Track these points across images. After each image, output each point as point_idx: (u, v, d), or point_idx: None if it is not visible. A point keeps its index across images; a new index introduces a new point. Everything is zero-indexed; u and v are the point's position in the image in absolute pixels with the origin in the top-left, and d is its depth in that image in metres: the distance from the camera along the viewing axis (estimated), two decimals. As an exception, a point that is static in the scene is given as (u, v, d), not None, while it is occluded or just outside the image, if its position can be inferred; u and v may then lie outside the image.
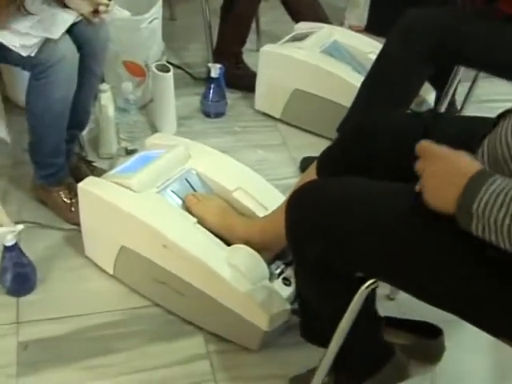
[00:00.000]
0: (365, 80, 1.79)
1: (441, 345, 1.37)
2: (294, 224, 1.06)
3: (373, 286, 1.04)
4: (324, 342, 1.16)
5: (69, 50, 1.51)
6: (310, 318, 1.24)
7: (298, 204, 1.06)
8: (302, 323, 1.27)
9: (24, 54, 1.44)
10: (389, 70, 1.70)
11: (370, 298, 1.18)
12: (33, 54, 1.45)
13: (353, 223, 0.98)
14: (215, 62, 2.27)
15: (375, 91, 1.74)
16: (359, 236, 0.98)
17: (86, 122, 1.80)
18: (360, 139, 1.17)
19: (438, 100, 1.98)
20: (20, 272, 1.51)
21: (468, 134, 1.06)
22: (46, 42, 1.46)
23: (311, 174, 1.25)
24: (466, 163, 0.88)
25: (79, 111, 1.69)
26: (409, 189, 0.96)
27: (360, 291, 1.04)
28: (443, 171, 0.89)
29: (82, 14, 1.53)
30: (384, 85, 1.71)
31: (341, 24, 2.70)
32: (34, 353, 1.41)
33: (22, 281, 1.53)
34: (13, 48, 1.44)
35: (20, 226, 1.47)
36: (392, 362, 1.20)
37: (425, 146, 0.93)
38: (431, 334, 1.35)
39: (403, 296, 1.43)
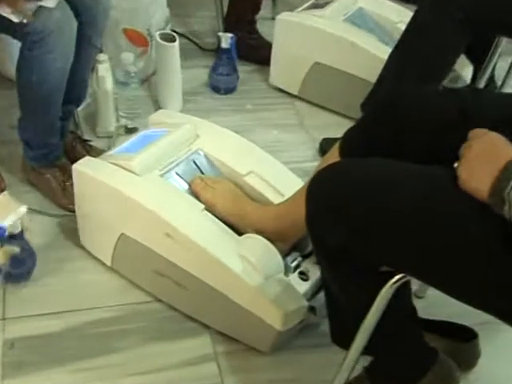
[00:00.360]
0: (393, 52, 1.78)
1: (475, 349, 1.37)
2: (315, 211, 1.06)
3: (402, 281, 1.04)
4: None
5: (66, 17, 1.50)
6: (338, 318, 1.24)
7: (319, 189, 1.06)
8: (330, 325, 1.27)
9: (15, 19, 1.44)
10: (420, 40, 1.69)
11: (406, 294, 1.18)
12: (25, 21, 1.45)
13: (381, 210, 0.98)
14: (226, 30, 2.27)
15: (404, 64, 1.73)
16: (388, 224, 0.98)
17: (82, 96, 1.80)
18: (387, 117, 1.16)
19: (475, 76, 1.96)
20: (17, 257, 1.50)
21: (510, 112, 1.06)
22: (41, 8, 1.46)
23: (333, 156, 1.24)
24: (505, 146, 0.92)
25: (76, 84, 1.69)
26: (446, 172, 0.97)
27: (386, 287, 1.04)
28: (483, 152, 0.92)
29: None
30: (414, 57, 1.70)
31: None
32: (21, 352, 1.41)
33: (18, 266, 1.52)
34: (3, 14, 1.44)
35: (23, 209, 1.47)
36: (437, 366, 1.21)
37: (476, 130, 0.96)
38: (465, 337, 1.35)
39: (433, 294, 1.45)
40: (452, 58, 1.72)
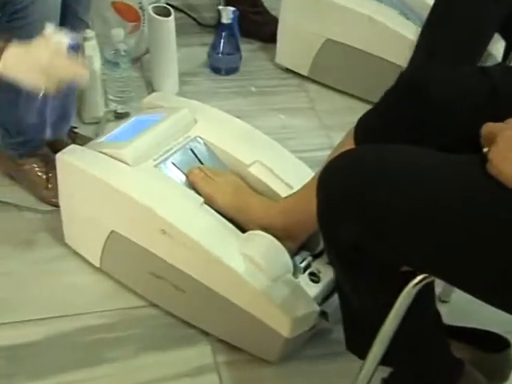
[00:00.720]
0: (422, 29, 1.78)
1: (508, 360, 1.37)
2: (327, 203, 1.06)
3: (425, 282, 1.04)
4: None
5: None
6: (353, 324, 1.24)
7: (332, 178, 1.06)
8: (345, 331, 1.27)
9: None
10: (452, 14, 1.68)
11: (430, 296, 1.18)
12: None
13: (401, 200, 0.98)
14: (227, 4, 2.27)
15: (435, 42, 1.72)
16: (409, 216, 0.97)
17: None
18: (410, 99, 1.16)
19: (508, 53, 1.96)
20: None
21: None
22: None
23: (348, 143, 1.24)
24: None
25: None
26: (472, 158, 0.97)
27: (408, 288, 1.04)
28: None
29: None
30: (446, 34, 1.70)
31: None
32: (0, 364, 1.41)
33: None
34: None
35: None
36: (463, 379, 1.21)
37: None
38: (496, 346, 1.35)
39: (459, 298, 1.45)
40: (488, 33, 1.72)
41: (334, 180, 1.05)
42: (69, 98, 1.73)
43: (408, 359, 1.20)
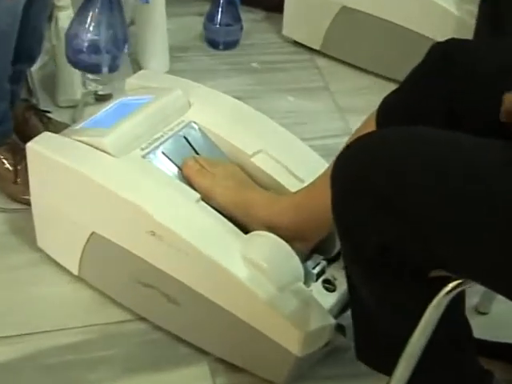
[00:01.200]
0: None
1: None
2: (343, 195, 1.05)
3: (460, 290, 1.04)
4: (388, 366, 1.16)
5: None
6: (368, 331, 1.24)
7: (348, 166, 1.05)
8: (355, 336, 1.27)
9: None
10: None
11: (460, 306, 1.19)
12: None
13: (434, 194, 0.97)
14: (225, -34, 2.27)
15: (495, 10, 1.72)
16: (447, 214, 0.97)
17: (37, 52, 1.80)
18: (442, 74, 1.15)
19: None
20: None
21: None
22: None
23: (369, 126, 1.24)
24: None
25: (28, 36, 1.69)
26: None
27: (439, 297, 1.04)
28: None
29: None
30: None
31: None
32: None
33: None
34: None
35: None
36: None
37: None
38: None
39: (500, 310, 1.45)
40: None
41: (351, 170, 1.05)
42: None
43: (433, 375, 1.21)
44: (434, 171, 0.99)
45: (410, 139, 1.03)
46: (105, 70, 1.83)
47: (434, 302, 1.05)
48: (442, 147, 1.01)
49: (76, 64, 1.85)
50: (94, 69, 1.85)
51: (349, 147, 1.08)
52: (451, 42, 1.21)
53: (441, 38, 1.22)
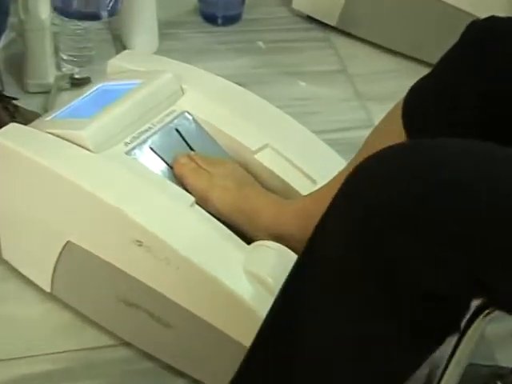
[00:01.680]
0: None
1: None
2: (372, 226, 0.94)
3: (492, 315, 1.05)
4: None
5: None
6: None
7: (375, 181, 0.96)
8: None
9: None
10: None
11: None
12: None
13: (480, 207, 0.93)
14: None
15: None
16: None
17: (1, 28, 1.79)
18: (482, 57, 1.15)
19: None
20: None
21: None
22: None
23: (393, 120, 1.23)
24: None
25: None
26: None
27: (476, 322, 1.04)
28: None
29: None
30: None
31: None
32: None
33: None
34: None
35: None
36: None
37: None
38: None
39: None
40: None
41: (376, 186, 0.95)
42: None
43: None
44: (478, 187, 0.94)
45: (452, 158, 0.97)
46: (104, 14, 1.81)
47: (472, 328, 1.06)
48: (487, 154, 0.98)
49: (67, 12, 1.83)
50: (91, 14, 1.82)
51: (370, 161, 0.99)
52: (493, 20, 1.20)
53: (483, 14, 1.22)
